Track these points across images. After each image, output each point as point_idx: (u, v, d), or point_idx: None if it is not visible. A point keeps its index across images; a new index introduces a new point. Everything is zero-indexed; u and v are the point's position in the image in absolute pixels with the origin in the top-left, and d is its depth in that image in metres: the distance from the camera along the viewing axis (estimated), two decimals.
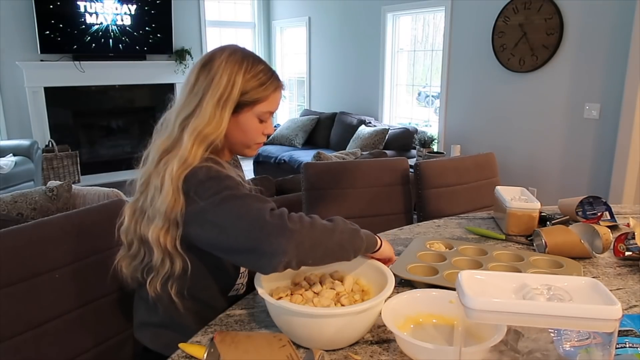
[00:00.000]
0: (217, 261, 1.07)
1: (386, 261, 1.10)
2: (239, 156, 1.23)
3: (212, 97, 1.00)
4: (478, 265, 1.26)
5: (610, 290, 0.74)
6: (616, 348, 0.80)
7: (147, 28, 5.62)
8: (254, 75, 1.03)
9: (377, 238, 1.08)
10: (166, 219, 0.95)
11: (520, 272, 1.20)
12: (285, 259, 0.87)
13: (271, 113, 1.10)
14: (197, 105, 1.00)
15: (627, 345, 0.82)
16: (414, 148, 4.53)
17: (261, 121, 1.08)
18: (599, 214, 1.62)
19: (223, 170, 0.99)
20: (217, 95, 1.00)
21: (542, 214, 1.64)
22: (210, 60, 1.03)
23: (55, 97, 5.30)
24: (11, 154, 4.50)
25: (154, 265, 1.00)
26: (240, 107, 1.03)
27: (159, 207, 0.95)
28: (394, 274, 1.01)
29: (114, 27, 5.43)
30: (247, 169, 5.30)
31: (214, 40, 6.36)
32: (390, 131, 4.71)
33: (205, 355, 0.85)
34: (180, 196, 0.94)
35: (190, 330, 1.00)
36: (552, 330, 0.81)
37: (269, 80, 1.06)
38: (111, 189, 2.51)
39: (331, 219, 0.98)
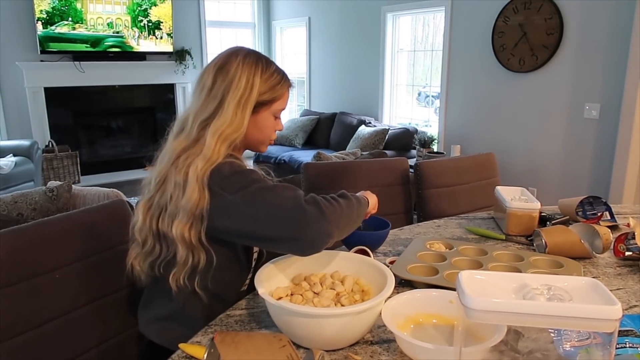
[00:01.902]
0: (234, 256, 1.11)
1: (375, 207, 1.23)
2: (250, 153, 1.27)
3: (233, 99, 1.04)
4: (478, 265, 1.26)
5: (610, 290, 0.74)
6: (616, 348, 0.80)
7: (147, 28, 5.62)
8: (270, 75, 1.09)
9: (365, 197, 1.17)
10: (191, 215, 0.98)
11: (520, 272, 1.20)
12: (330, 240, 0.96)
13: (283, 109, 1.16)
14: (218, 107, 1.05)
15: (627, 345, 0.82)
16: (414, 148, 4.53)
17: (275, 118, 1.15)
18: (599, 214, 1.62)
19: (245, 165, 1.06)
20: (238, 96, 1.05)
21: (542, 214, 1.64)
22: (225, 64, 1.07)
23: (55, 97, 5.30)
24: (11, 154, 4.50)
25: (177, 260, 1.02)
26: (258, 106, 1.09)
27: (183, 204, 0.98)
28: (394, 274, 1.01)
29: (114, 27, 5.42)
30: None
31: (214, 40, 6.36)
32: (390, 131, 4.71)
33: (205, 355, 0.85)
34: (205, 192, 0.98)
35: (200, 325, 1.02)
36: (552, 330, 0.81)
37: (282, 79, 1.12)
38: (111, 189, 2.51)
39: (341, 194, 1.07)
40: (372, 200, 1.22)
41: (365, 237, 1.24)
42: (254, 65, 1.07)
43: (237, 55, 1.08)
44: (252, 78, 1.06)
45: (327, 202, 0.99)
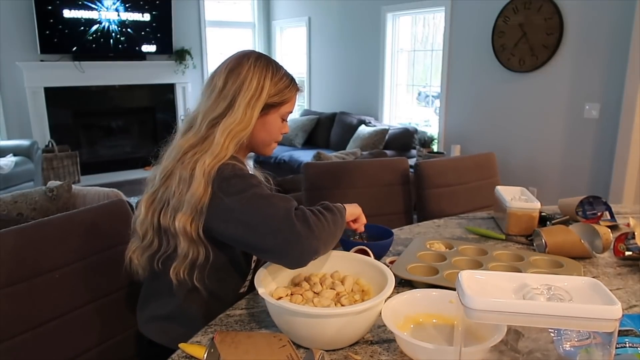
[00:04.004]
0: (232, 257, 1.12)
1: (357, 220, 1.20)
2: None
3: (244, 99, 1.07)
4: (478, 265, 1.26)
5: (610, 290, 0.74)
6: (616, 348, 0.80)
7: (147, 28, 5.62)
8: (279, 79, 1.12)
9: (343, 206, 1.13)
10: (194, 209, 1.00)
11: (520, 272, 1.20)
12: (316, 256, 1.00)
13: (290, 113, 1.19)
14: (229, 107, 1.07)
15: (627, 345, 0.82)
16: (414, 148, 4.53)
17: (282, 121, 1.17)
18: (599, 214, 1.62)
19: (246, 169, 1.08)
20: (248, 97, 1.07)
21: (542, 214, 1.64)
22: (237, 66, 1.10)
23: (55, 97, 5.30)
24: (11, 154, 4.49)
25: (178, 253, 1.04)
26: (267, 108, 1.11)
27: (188, 197, 1.00)
28: (394, 274, 1.01)
29: (114, 27, 5.42)
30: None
31: (214, 40, 6.36)
32: (390, 131, 4.70)
33: (205, 355, 0.85)
34: (209, 188, 1.00)
35: (198, 324, 1.02)
36: (552, 330, 0.81)
37: (291, 83, 1.15)
38: (111, 189, 2.51)
39: (325, 207, 1.07)
40: (352, 210, 1.17)
41: (368, 248, 1.23)
42: (264, 69, 1.10)
43: (248, 58, 1.11)
44: (262, 80, 1.09)
45: (315, 218, 1.00)
